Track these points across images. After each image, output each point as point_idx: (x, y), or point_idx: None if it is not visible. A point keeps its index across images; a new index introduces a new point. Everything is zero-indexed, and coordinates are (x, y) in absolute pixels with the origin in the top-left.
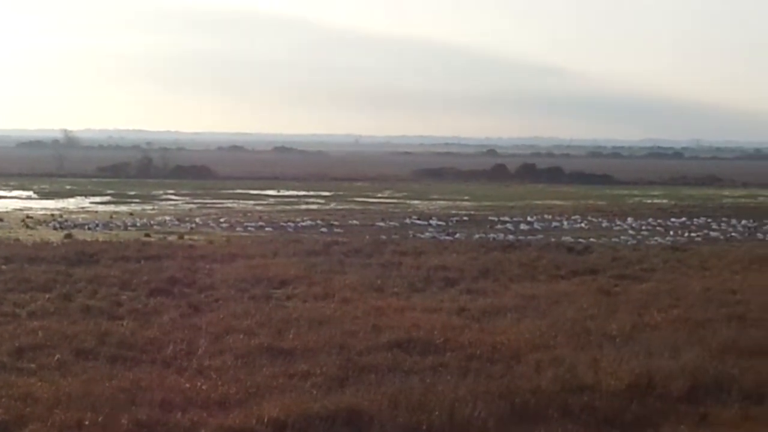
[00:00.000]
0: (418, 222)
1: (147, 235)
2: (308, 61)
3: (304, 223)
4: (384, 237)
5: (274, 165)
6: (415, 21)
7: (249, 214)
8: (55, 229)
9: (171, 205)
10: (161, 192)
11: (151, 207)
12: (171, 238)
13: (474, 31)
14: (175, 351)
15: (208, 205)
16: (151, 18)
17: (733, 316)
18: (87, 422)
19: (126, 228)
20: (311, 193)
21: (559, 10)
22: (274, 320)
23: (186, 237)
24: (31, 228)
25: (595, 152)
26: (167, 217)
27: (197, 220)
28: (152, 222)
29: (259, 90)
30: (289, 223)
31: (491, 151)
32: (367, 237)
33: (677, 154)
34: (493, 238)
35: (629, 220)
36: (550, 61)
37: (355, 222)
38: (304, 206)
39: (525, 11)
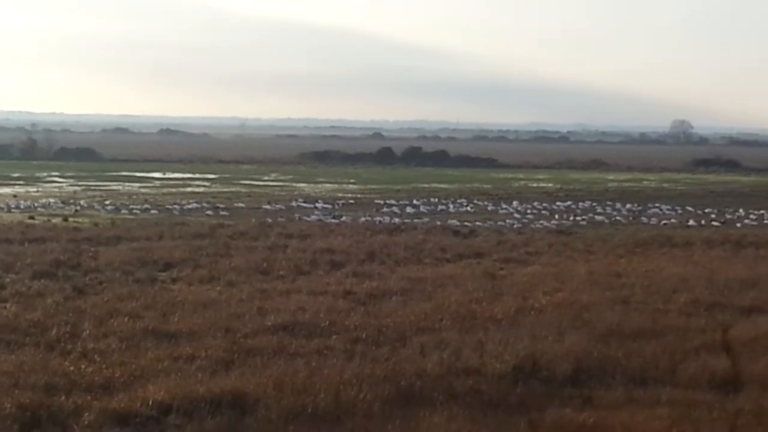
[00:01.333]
0: (304, 205)
1: (31, 217)
2: (194, 43)
3: (189, 206)
4: (270, 220)
5: (160, 147)
6: (301, 3)
7: (134, 197)
8: None
9: (55, 187)
10: (45, 174)
11: (35, 189)
12: (55, 220)
13: (360, 13)
14: (59, 334)
15: (93, 188)
16: None
17: (617, 300)
18: None
19: (9, 210)
20: (197, 175)
21: None
22: (160, 303)
23: (70, 219)
24: None
25: (481, 136)
26: (51, 200)
27: (82, 202)
28: (36, 204)
29: (144, 72)
30: (175, 206)
31: (377, 135)
32: (253, 220)
33: (563, 138)
34: (379, 222)
35: (515, 203)
36: (438, 44)
37: (241, 205)
38: (189, 189)
39: None
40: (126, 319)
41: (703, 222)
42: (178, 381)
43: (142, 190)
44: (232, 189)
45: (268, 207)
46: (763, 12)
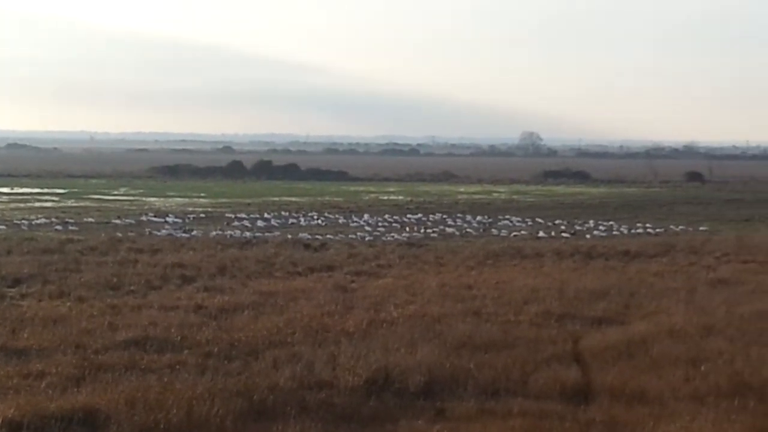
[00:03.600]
0: (155, 219)
1: None
2: (43, 57)
3: (38, 221)
4: (120, 235)
5: (6, 162)
6: (150, 17)
7: None
8: None
9: None
10: None
11: None
12: None
13: (209, 26)
14: None
15: None
16: None
17: (468, 312)
18: None
19: None
20: (45, 190)
21: (295, 7)
22: (8, 319)
23: None
24: None
25: (332, 149)
26: None
27: None
28: None
29: None
30: (23, 221)
31: (227, 148)
32: (103, 235)
33: (413, 150)
34: (231, 235)
35: (366, 216)
36: (288, 57)
37: (90, 220)
38: (38, 204)
39: (261, 7)
40: None
41: (553, 233)
42: (29, 398)
43: None
44: (82, 204)
45: (118, 222)
46: (608, 26)
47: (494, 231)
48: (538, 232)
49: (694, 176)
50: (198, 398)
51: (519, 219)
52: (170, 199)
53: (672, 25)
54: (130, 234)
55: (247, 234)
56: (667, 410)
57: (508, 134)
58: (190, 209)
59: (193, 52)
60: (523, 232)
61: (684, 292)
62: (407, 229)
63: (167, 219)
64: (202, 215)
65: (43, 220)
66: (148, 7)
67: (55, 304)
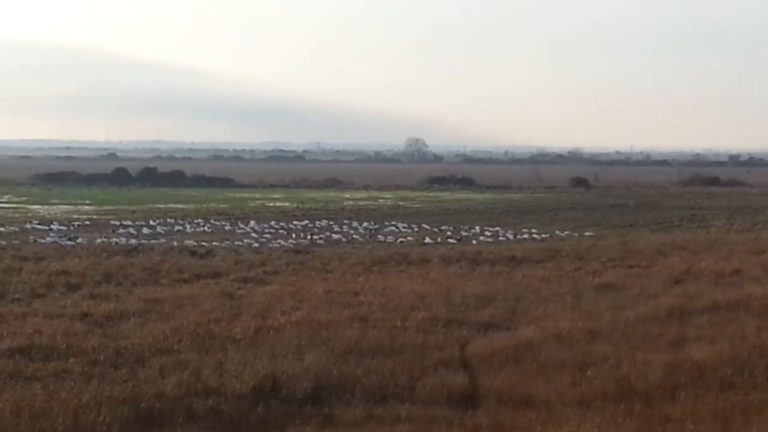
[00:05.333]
0: (39, 227)
1: None
2: None
3: None
4: (4, 242)
5: None
6: (28, 21)
7: None
8: None
9: None
10: None
11: None
12: None
13: (93, 30)
14: None
15: None
16: None
17: (355, 318)
18: None
19: None
20: None
21: (178, 10)
22: None
23: None
24: None
25: (217, 155)
26: None
27: None
28: None
29: None
30: None
31: (112, 155)
32: None
33: (299, 156)
34: (116, 243)
35: (252, 223)
36: (172, 62)
37: None
38: None
39: (142, 11)
40: None
41: (439, 239)
42: None
43: None
44: None
45: (1, 229)
46: (493, 30)
47: (381, 237)
48: (424, 238)
49: (579, 182)
50: (84, 406)
51: (405, 225)
52: (55, 207)
53: (557, 31)
54: (14, 242)
55: (133, 241)
56: (554, 415)
57: (393, 140)
58: (75, 217)
59: (76, 57)
60: (409, 238)
61: (570, 297)
62: (293, 235)
63: (52, 226)
64: (87, 223)
65: None
66: (19, 12)
67: None
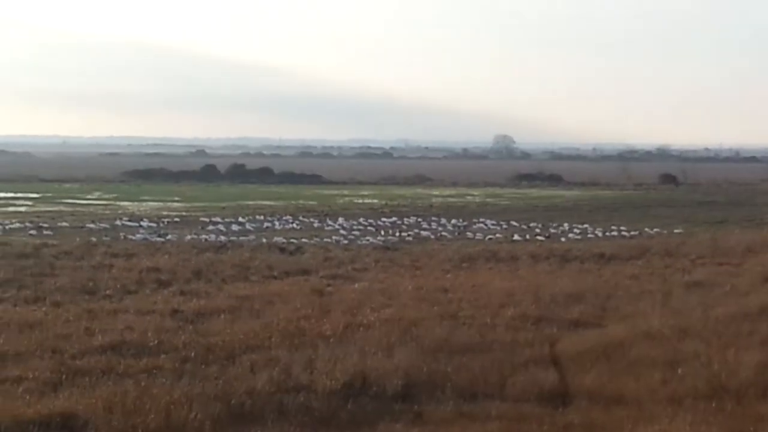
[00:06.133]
0: (129, 223)
1: None
2: (13, 61)
3: (12, 226)
4: (95, 239)
5: None
6: (123, 20)
7: None
8: None
9: None
10: None
11: None
12: None
13: (182, 29)
14: None
15: None
16: None
17: (445, 315)
18: None
19: None
20: (19, 195)
21: (267, 10)
22: None
23: None
24: None
25: (305, 152)
26: None
27: None
28: None
29: None
30: None
31: (200, 152)
32: (78, 239)
33: (386, 154)
34: (205, 239)
35: (340, 220)
36: (260, 60)
37: (64, 224)
38: (11, 208)
39: (233, 10)
40: None
41: (527, 236)
42: (6, 403)
43: None
44: (56, 208)
45: (92, 226)
46: (582, 29)
47: (469, 234)
48: (512, 235)
49: (668, 179)
50: (176, 403)
51: (494, 222)
52: (144, 203)
53: (644, 29)
54: (104, 238)
55: (222, 238)
56: (645, 413)
57: (481, 137)
58: (165, 213)
59: (166, 55)
60: (497, 235)
61: (660, 294)
62: (382, 232)
63: (142, 223)
64: (177, 219)
65: (17, 225)
66: (118, 13)
67: (31, 309)
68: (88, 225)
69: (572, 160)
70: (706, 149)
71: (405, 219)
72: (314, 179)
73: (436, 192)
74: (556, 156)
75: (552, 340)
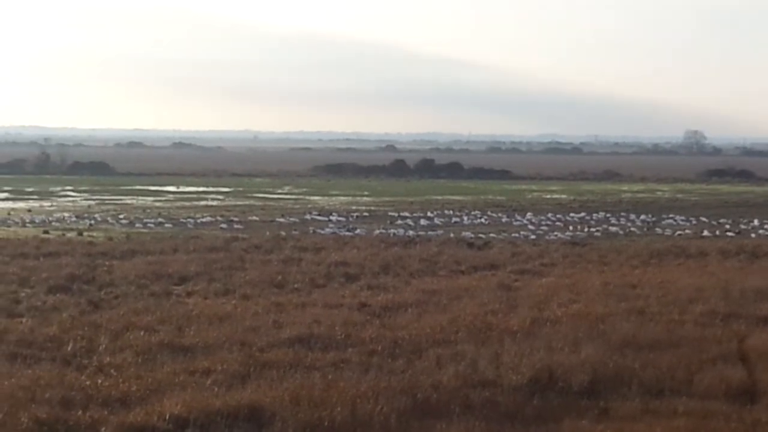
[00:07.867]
0: (319, 218)
1: (45, 231)
2: (206, 57)
3: (203, 220)
4: (284, 233)
5: (173, 161)
6: (312, 15)
7: (148, 211)
8: None
9: (69, 201)
10: (59, 188)
11: (49, 203)
12: (70, 234)
13: (373, 25)
14: (75, 348)
15: (107, 202)
16: (44, 12)
17: (632, 311)
18: None
19: (24, 225)
20: (210, 189)
21: (459, 5)
22: (175, 317)
23: (85, 234)
24: None
25: (494, 147)
26: (66, 214)
27: (96, 216)
28: (51, 219)
29: (156, 86)
30: (189, 220)
31: (390, 147)
32: (267, 233)
33: (576, 149)
34: (394, 234)
35: (528, 215)
36: (449, 56)
37: (254, 218)
38: (203, 202)
39: (425, 5)
40: (141, 333)
41: (717, 232)
42: (194, 395)
43: (156, 204)
44: (246, 202)
45: (282, 220)
46: None
47: (658, 230)
48: (702, 231)
49: None
50: (362, 396)
51: (683, 218)
52: (334, 198)
53: None
54: (294, 232)
55: (410, 233)
56: None
57: (671, 132)
58: (354, 208)
59: (358, 51)
60: (687, 231)
61: None
62: (570, 227)
63: (331, 217)
64: (366, 214)
65: (208, 219)
66: (311, 7)
67: (221, 302)
68: (277, 219)
69: (764, 156)
70: None
71: (593, 214)
72: (503, 174)
73: (625, 187)
74: (748, 151)
75: (741, 336)
